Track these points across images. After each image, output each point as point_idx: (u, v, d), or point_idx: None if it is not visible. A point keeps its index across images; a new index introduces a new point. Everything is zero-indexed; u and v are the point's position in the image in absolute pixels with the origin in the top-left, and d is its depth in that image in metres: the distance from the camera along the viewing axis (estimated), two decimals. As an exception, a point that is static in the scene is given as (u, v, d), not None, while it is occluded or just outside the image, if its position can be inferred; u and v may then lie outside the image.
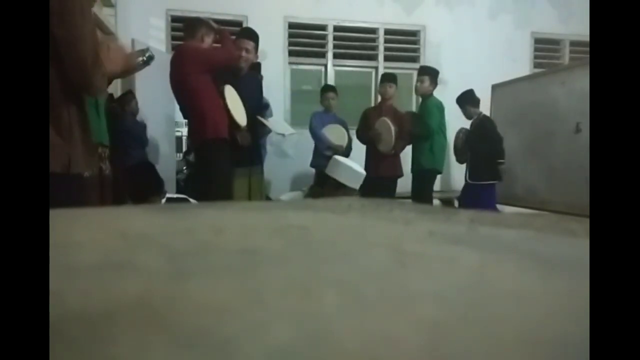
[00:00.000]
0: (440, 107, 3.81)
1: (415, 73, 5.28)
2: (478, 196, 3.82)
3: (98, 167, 1.84)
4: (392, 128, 3.59)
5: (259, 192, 3.22)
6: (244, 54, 2.96)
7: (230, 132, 2.80)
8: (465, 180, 3.95)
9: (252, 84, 3.25)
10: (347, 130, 4.03)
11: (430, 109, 3.76)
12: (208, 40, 2.80)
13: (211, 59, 2.75)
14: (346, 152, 3.87)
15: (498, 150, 3.79)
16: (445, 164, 4.06)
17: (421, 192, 3.66)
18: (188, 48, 2.77)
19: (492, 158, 3.84)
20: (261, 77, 3.65)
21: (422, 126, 3.74)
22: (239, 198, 2.98)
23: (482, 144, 3.85)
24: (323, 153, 3.76)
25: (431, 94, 3.81)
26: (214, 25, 2.89)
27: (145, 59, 1.85)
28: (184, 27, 2.90)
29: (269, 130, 3.40)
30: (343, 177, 2.43)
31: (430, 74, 3.81)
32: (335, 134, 3.83)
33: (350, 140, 3.99)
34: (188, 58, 2.70)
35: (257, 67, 3.71)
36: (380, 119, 3.71)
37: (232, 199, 2.80)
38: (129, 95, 3.73)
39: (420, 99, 4.19)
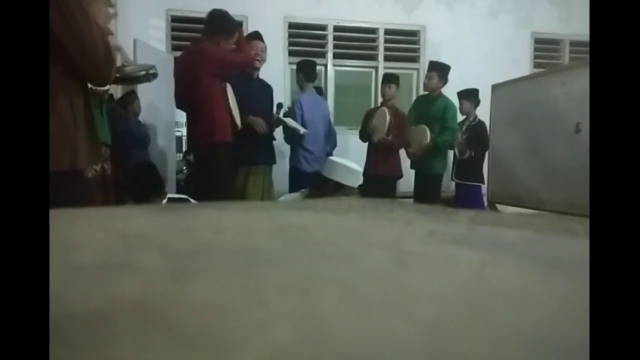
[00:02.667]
0: (456, 111, 3.81)
1: (415, 73, 5.29)
2: (466, 196, 3.86)
3: (102, 164, 1.85)
4: (387, 116, 3.59)
5: (271, 191, 3.27)
6: (261, 54, 3.11)
7: (233, 134, 2.81)
8: (452, 179, 4.05)
9: (264, 86, 3.34)
10: (331, 125, 4.11)
11: (447, 111, 3.71)
12: (225, 45, 2.76)
13: (229, 62, 2.73)
14: (332, 143, 3.97)
15: (484, 155, 3.90)
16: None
17: (427, 195, 3.59)
18: (205, 49, 2.70)
19: (479, 161, 3.93)
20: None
21: (447, 133, 3.68)
22: (253, 196, 3.03)
23: (473, 147, 3.90)
24: None
25: (440, 93, 3.77)
26: (237, 24, 2.85)
27: (148, 75, 1.85)
28: (207, 22, 2.81)
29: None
30: (341, 177, 2.42)
31: (439, 69, 3.74)
32: None
33: (335, 134, 4.09)
34: (205, 59, 2.65)
35: None
36: (378, 110, 3.72)
37: (242, 200, 2.82)
38: (131, 95, 3.71)
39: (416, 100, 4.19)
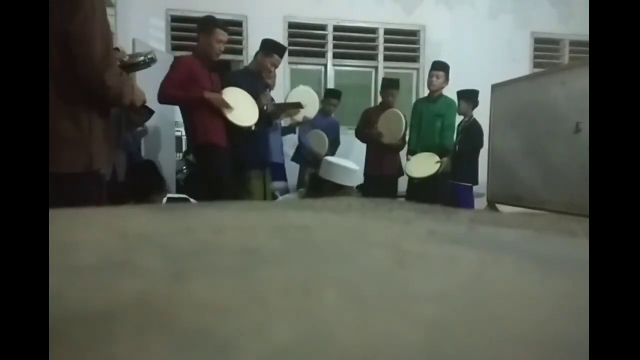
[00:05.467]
0: (456, 110, 3.81)
1: (415, 73, 5.29)
2: (456, 196, 3.84)
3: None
4: (403, 118, 3.60)
5: (271, 192, 3.32)
6: (273, 69, 3.22)
7: (229, 137, 2.83)
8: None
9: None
10: (338, 133, 4.18)
11: (449, 109, 3.70)
12: (206, 41, 2.82)
13: (173, 96, 2.80)
14: (333, 151, 4.00)
15: (477, 155, 3.90)
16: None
17: (436, 196, 3.49)
18: (179, 60, 2.86)
19: (473, 161, 3.91)
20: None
21: (449, 132, 3.67)
22: (257, 198, 3.09)
23: (466, 147, 3.90)
24: (305, 156, 3.96)
25: (441, 94, 3.77)
26: (215, 22, 2.90)
27: (147, 59, 1.84)
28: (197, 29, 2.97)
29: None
30: (338, 177, 2.40)
31: (446, 70, 3.75)
32: (316, 140, 3.88)
33: (339, 144, 4.16)
34: (173, 68, 2.80)
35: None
36: (387, 111, 3.71)
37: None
38: (145, 109, 3.70)
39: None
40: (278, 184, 2.80)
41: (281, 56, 3.23)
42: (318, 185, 2.45)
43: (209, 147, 2.78)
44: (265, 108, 3.08)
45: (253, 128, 2.94)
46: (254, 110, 2.95)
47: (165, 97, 2.80)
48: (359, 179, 2.56)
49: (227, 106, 2.84)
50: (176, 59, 2.92)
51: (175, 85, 2.77)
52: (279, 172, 3.63)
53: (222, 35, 2.88)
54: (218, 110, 2.79)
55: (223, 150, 2.82)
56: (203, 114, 2.77)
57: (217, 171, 2.79)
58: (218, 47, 2.87)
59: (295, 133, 3.96)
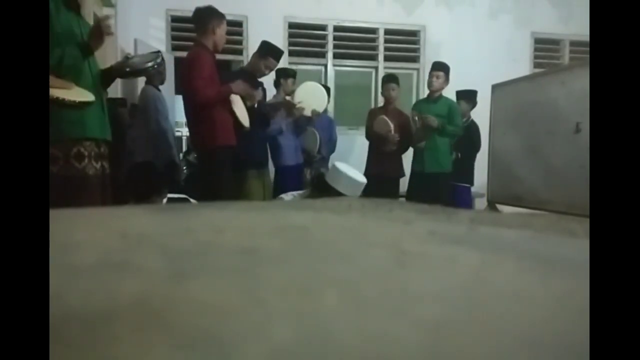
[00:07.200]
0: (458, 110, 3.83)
1: (415, 73, 5.29)
2: (455, 197, 3.84)
3: (102, 163, 1.83)
4: (391, 125, 3.61)
5: (270, 192, 3.30)
6: (267, 72, 3.16)
7: (237, 136, 2.80)
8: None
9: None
10: (333, 131, 4.18)
11: (452, 110, 3.71)
12: (220, 32, 2.73)
13: (201, 95, 2.64)
14: (330, 148, 4.03)
15: (474, 156, 3.91)
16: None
17: (437, 196, 3.36)
18: (199, 55, 2.68)
19: (469, 162, 3.91)
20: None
21: (455, 128, 3.69)
22: (255, 198, 3.06)
23: (467, 148, 3.90)
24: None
25: (441, 94, 3.77)
26: (221, 14, 2.81)
27: (155, 65, 1.85)
28: (194, 20, 2.78)
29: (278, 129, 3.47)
30: (343, 187, 2.40)
31: (446, 70, 3.75)
32: (308, 138, 3.88)
33: (335, 141, 4.16)
34: (198, 65, 2.63)
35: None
36: (379, 118, 3.73)
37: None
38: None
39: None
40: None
41: (277, 60, 3.17)
42: (322, 188, 2.43)
43: (228, 148, 2.70)
44: (255, 105, 3.03)
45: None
46: (245, 112, 2.93)
47: (205, 98, 2.59)
48: (362, 188, 2.55)
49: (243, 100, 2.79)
50: (195, 53, 2.69)
51: (208, 84, 2.60)
52: (296, 175, 3.61)
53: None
54: (231, 108, 2.70)
55: (232, 150, 2.78)
56: (221, 112, 2.65)
57: (224, 172, 2.73)
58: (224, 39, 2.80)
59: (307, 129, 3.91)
